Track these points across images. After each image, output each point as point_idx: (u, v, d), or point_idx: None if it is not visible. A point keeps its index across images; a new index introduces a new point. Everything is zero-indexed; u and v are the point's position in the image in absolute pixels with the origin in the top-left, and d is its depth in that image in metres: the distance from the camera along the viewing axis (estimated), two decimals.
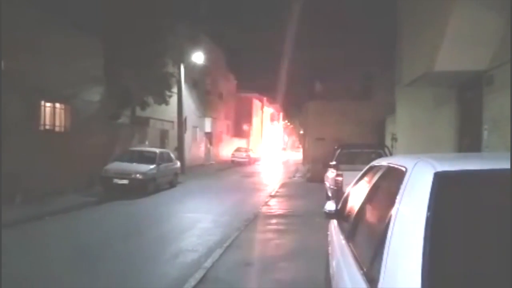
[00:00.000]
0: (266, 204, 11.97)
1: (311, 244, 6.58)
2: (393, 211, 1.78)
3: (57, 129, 12.54)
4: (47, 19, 11.53)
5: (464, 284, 1.45)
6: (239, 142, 40.40)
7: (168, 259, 6.34)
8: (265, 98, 52.75)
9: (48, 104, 12.14)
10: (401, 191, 1.83)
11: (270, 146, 57.65)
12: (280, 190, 15.87)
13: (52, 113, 12.34)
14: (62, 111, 12.68)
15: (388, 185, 2.27)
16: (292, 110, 41.33)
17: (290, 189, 16.09)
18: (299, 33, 19.17)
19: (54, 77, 11.71)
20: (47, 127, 12.14)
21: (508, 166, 1.79)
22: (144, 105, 16.92)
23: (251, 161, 35.26)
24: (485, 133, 7.36)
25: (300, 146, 45.93)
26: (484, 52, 6.99)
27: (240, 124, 43.25)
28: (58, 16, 11.81)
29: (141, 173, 12.93)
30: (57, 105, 12.46)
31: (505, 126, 6.54)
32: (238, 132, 42.74)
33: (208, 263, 5.78)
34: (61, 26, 11.87)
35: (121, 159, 13.78)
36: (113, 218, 9.89)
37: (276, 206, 11.67)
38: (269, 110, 58.72)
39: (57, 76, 11.82)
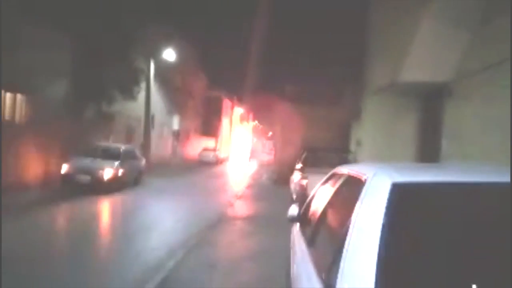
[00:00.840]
0: (231, 205, 11.95)
1: (273, 247, 6.63)
2: (351, 218, 1.83)
3: (17, 121, 12.00)
4: (14, 9, 11.04)
5: None
6: (208, 142, 40.14)
7: (130, 258, 6.19)
8: (235, 98, 52.68)
9: (8, 94, 11.61)
10: (360, 199, 1.89)
11: (239, 146, 57.59)
12: (246, 191, 15.89)
13: (12, 104, 11.81)
14: (23, 103, 12.16)
15: (349, 193, 2.33)
16: (262, 112, 41.55)
17: (256, 191, 16.14)
18: (270, 33, 19.31)
19: (16, 68, 11.20)
20: (7, 118, 11.60)
21: (463, 179, 1.88)
22: (111, 100, 16.49)
23: (218, 162, 35.11)
24: (444, 143, 7.67)
25: (269, 148, 46.21)
26: (446, 64, 7.28)
27: (209, 123, 42.96)
28: (24, 6, 11.33)
29: (104, 170, 12.58)
30: (18, 95, 11.94)
31: (463, 137, 6.85)
32: (207, 131, 42.45)
33: (170, 264, 5.71)
34: (27, 16, 11.39)
35: (84, 154, 13.31)
36: (74, 216, 9.58)
37: (241, 208, 11.67)
38: (239, 110, 58.67)
39: (19, 67, 11.32)
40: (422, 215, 1.78)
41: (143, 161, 16.41)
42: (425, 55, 7.26)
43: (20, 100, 12.05)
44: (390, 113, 10.10)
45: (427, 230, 1.71)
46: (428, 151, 8.64)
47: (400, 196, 1.75)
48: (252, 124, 73.08)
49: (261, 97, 28.67)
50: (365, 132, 11.70)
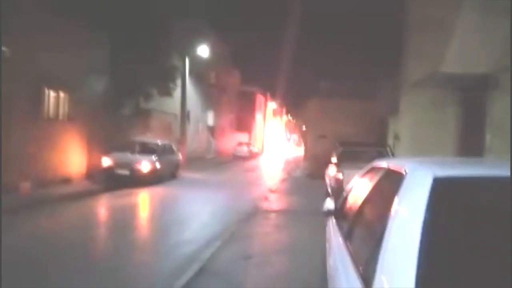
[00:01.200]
0: (266, 199, 12.01)
1: (308, 240, 6.62)
2: (391, 213, 1.80)
3: (60, 117, 12.57)
4: (54, 8, 11.52)
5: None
6: (242, 137, 40.41)
7: (166, 251, 6.38)
8: (268, 93, 52.64)
9: (52, 93, 12.16)
10: (400, 194, 1.86)
11: (272, 141, 57.63)
12: (281, 185, 15.91)
13: (56, 102, 12.36)
14: (66, 100, 12.70)
15: (388, 187, 2.29)
16: (296, 106, 41.30)
17: (290, 185, 16.12)
18: (304, 30, 19.16)
19: (58, 66, 11.70)
20: (51, 115, 12.17)
21: (508, 173, 1.80)
22: (148, 97, 16.94)
23: (252, 156, 35.29)
24: (487, 137, 7.36)
25: (302, 142, 45.93)
26: (490, 55, 6.97)
27: (243, 118, 43.21)
28: (64, 5, 11.79)
29: (142, 164, 12.98)
30: (61, 94, 12.48)
31: (508, 130, 6.54)
32: (241, 126, 42.72)
33: (205, 256, 5.83)
34: (67, 15, 11.85)
35: (123, 149, 13.82)
36: (113, 208, 9.96)
37: (275, 201, 11.70)
38: (272, 105, 58.61)
39: (61, 65, 11.82)
40: (464, 211, 1.73)
41: (179, 156, 16.77)
42: (466, 46, 6.97)
43: (63, 98, 12.58)
44: (429, 106, 9.78)
45: (470, 226, 1.67)
46: (471, 146, 8.32)
47: (442, 191, 1.71)
48: (285, 119, 72.87)
49: (295, 92, 28.49)
50: (403, 127, 11.39)
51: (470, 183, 1.84)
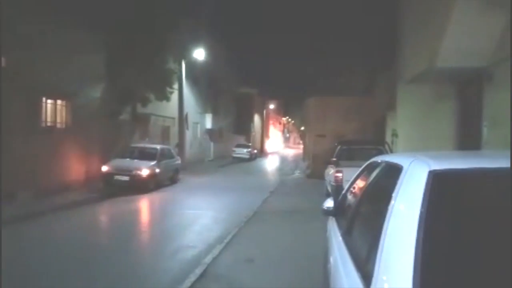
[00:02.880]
0: (265, 201, 11.99)
1: (310, 241, 6.61)
2: (388, 209, 1.79)
3: (58, 125, 12.56)
4: (48, 15, 11.50)
5: (455, 283, 1.47)
6: (240, 138, 40.40)
7: (168, 255, 6.37)
8: (266, 94, 52.62)
9: (49, 101, 12.15)
10: (396, 188, 1.85)
11: (271, 142, 57.65)
12: (280, 186, 15.89)
13: (53, 109, 12.35)
14: (63, 108, 12.69)
15: (385, 183, 2.28)
16: (294, 106, 41.30)
17: (290, 186, 16.11)
18: (300, 28, 19.18)
19: (55, 74, 11.70)
20: (49, 123, 12.16)
21: (507, 165, 1.78)
22: (145, 102, 16.91)
23: (251, 157, 35.27)
24: (484, 130, 7.36)
25: (301, 142, 45.97)
26: (485, 48, 6.98)
27: (241, 120, 43.20)
28: (59, 12, 11.77)
29: (141, 170, 12.96)
30: (58, 101, 12.47)
31: (505, 123, 6.54)
32: (239, 128, 42.70)
33: (208, 259, 5.82)
34: (61, 22, 11.84)
35: (122, 155, 13.84)
36: (114, 214, 9.94)
37: (275, 203, 11.69)
38: (270, 106, 58.65)
39: (58, 73, 11.82)
40: (462, 204, 1.71)
41: (179, 160, 16.75)
42: (461, 39, 6.98)
43: (60, 106, 12.57)
44: (426, 101, 9.80)
45: (469, 220, 1.65)
46: (468, 139, 8.32)
47: (438, 184, 1.69)
48: (284, 119, 72.90)
49: (292, 92, 28.50)
50: (400, 123, 11.40)
51: (469, 176, 1.81)
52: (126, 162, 13.27)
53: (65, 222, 8.81)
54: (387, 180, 2.16)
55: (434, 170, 1.75)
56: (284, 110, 68.40)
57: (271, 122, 61.23)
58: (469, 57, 7.19)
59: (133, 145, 15.44)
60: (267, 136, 56.88)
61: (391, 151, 11.18)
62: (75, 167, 12.69)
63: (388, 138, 13.83)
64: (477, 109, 7.71)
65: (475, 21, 6.73)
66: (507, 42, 6.48)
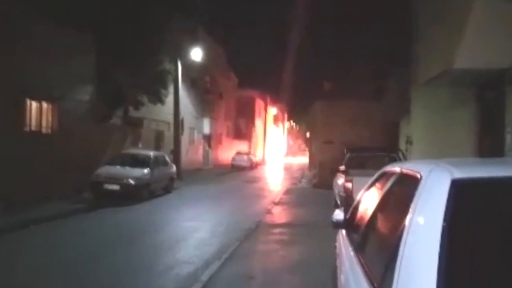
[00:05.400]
0: (269, 212, 11.94)
1: (317, 256, 6.56)
2: (406, 222, 1.77)
3: (43, 130, 12.56)
4: (34, 13, 11.57)
5: None
6: (240, 145, 40.41)
7: (161, 272, 6.32)
8: (268, 98, 52.72)
9: (34, 104, 12.15)
10: (415, 199, 1.82)
11: (274, 149, 57.62)
12: (284, 197, 15.84)
13: (38, 113, 12.35)
14: (50, 111, 12.70)
15: (402, 193, 2.26)
16: (298, 111, 41.29)
17: (295, 196, 16.06)
18: (305, 27, 19.23)
19: (41, 75, 11.73)
20: (33, 128, 12.16)
21: None
22: (138, 105, 16.94)
23: (252, 166, 35.24)
24: (508, 137, 7.32)
25: (307, 149, 45.95)
26: (507, 48, 6.96)
27: (241, 125, 43.27)
28: (46, 10, 11.84)
29: (133, 178, 12.91)
30: (44, 104, 12.47)
31: None
32: (239, 134, 42.77)
33: (205, 277, 5.77)
34: (48, 20, 11.90)
35: (112, 162, 13.79)
36: (102, 226, 9.87)
37: (279, 215, 11.64)
38: (273, 110, 58.69)
39: (44, 74, 11.84)
40: (488, 216, 1.69)
41: (174, 168, 16.73)
42: (481, 39, 6.97)
43: (46, 109, 12.57)
44: (443, 106, 9.77)
45: (495, 233, 1.62)
46: (489, 146, 8.28)
47: (461, 194, 1.67)
48: (287, 124, 72.93)
49: (297, 96, 28.53)
50: (415, 129, 11.37)
51: (494, 185, 1.78)
52: (117, 170, 13.23)
53: (48, 234, 8.73)
54: (404, 190, 2.14)
55: (457, 179, 1.73)
56: (288, 115, 68.45)
57: (274, 127, 61.26)
58: (490, 58, 7.18)
59: (124, 151, 15.44)
60: (270, 143, 56.88)
61: (406, 159, 11.14)
62: (62, 175, 12.60)
63: (402, 145, 13.81)
64: (499, 114, 7.67)
65: (496, 19, 6.72)
66: None
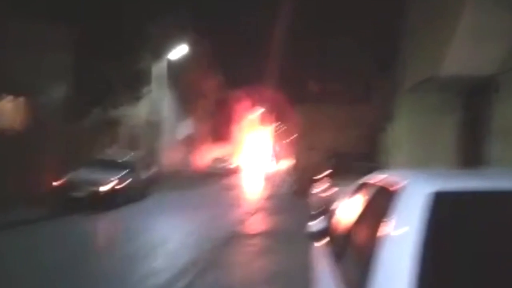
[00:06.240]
0: (245, 221, 11.89)
1: (293, 269, 6.51)
2: (383, 234, 1.76)
3: (8, 128, 12.12)
4: (7, 7, 11.28)
5: None
6: (221, 148, 40.14)
7: (136, 282, 6.14)
8: (252, 99, 52.56)
9: (3, 99, 11.79)
10: (393, 211, 1.83)
11: (258, 152, 57.53)
12: (263, 204, 15.84)
13: (4, 107, 11.94)
14: (17, 108, 12.32)
15: (380, 204, 2.24)
16: (282, 113, 41.30)
17: (274, 204, 16.04)
18: (291, 26, 19.25)
19: (11, 70, 11.39)
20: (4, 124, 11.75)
21: None
22: (115, 103, 16.66)
23: (232, 171, 34.68)
24: (491, 146, 7.42)
25: (292, 154, 46.13)
26: (494, 56, 7.06)
27: (222, 127, 43.06)
28: (20, 4, 11.56)
29: (105, 184, 12.52)
30: (10, 98, 12.04)
31: None
32: (220, 136, 42.44)
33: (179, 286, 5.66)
34: (23, 11, 11.61)
35: (84, 165, 13.34)
36: (64, 237, 9.34)
37: (257, 224, 11.60)
38: (256, 112, 58.63)
39: (15, 69, 11.49)
40: (465, 230, 1.69)
41: (150, 172, 16.47)
42: (468, 46, 7.06)
43: (12, 104, 12.13)
44: (428, 111, 9.88)
45: (472, 247, 1.62)
46: (473, 155, 8.39)
47: (439, 207, 1.68)
48: (271, 127, 72.97)
49: (281, 96, 28.56)
50: (399, 134, 11.47)
51: (475, 198, 1.80)
52: (87, 174, 12.69)
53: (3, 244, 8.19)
54: (382, 202, 2.14)
55: (434, 192, 1.73)
56: (272, 117, 68.47)
57: (256, 130, 61.23)
58: (475, 65, 7.27)
59: (100, 155, 15.11)
60: (252, 146, 56.84)
61: (389, 167, 11.22)
62: (28, 179, 12.08)
63: (385, 151, 13.91)
64: (486, 123, 7.78)
65: (483, 26, 6.82)
66: None
